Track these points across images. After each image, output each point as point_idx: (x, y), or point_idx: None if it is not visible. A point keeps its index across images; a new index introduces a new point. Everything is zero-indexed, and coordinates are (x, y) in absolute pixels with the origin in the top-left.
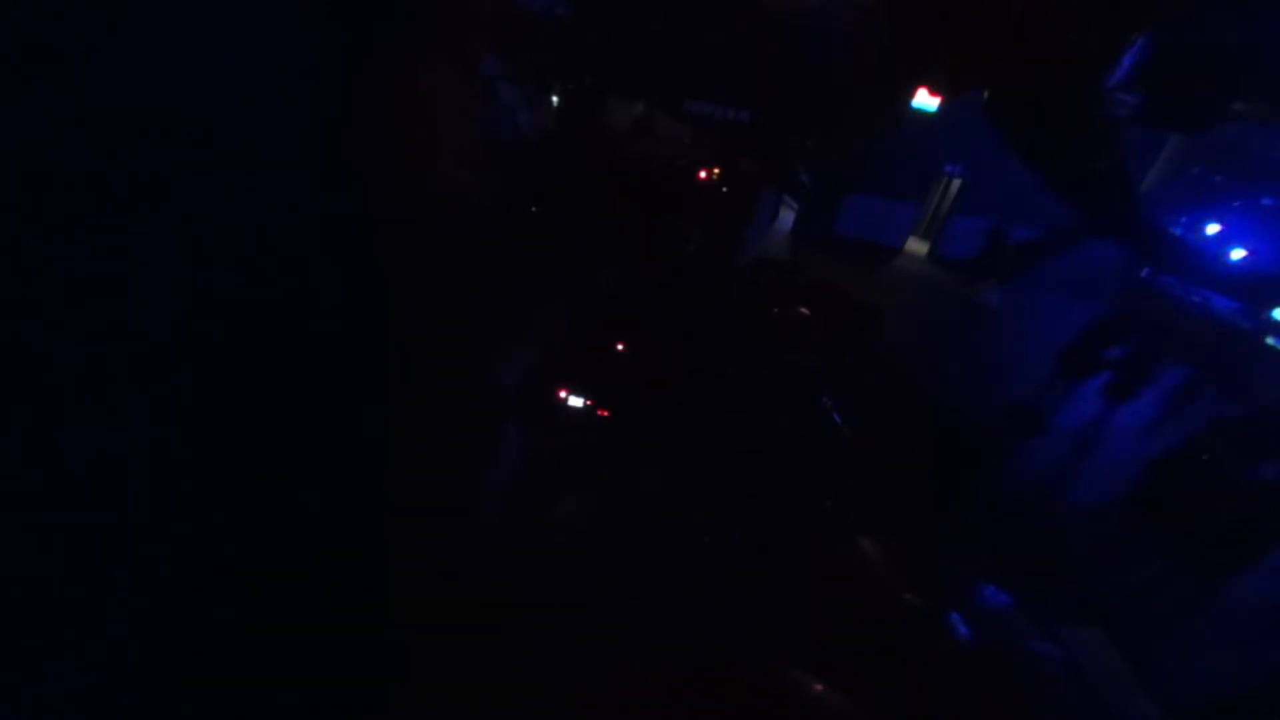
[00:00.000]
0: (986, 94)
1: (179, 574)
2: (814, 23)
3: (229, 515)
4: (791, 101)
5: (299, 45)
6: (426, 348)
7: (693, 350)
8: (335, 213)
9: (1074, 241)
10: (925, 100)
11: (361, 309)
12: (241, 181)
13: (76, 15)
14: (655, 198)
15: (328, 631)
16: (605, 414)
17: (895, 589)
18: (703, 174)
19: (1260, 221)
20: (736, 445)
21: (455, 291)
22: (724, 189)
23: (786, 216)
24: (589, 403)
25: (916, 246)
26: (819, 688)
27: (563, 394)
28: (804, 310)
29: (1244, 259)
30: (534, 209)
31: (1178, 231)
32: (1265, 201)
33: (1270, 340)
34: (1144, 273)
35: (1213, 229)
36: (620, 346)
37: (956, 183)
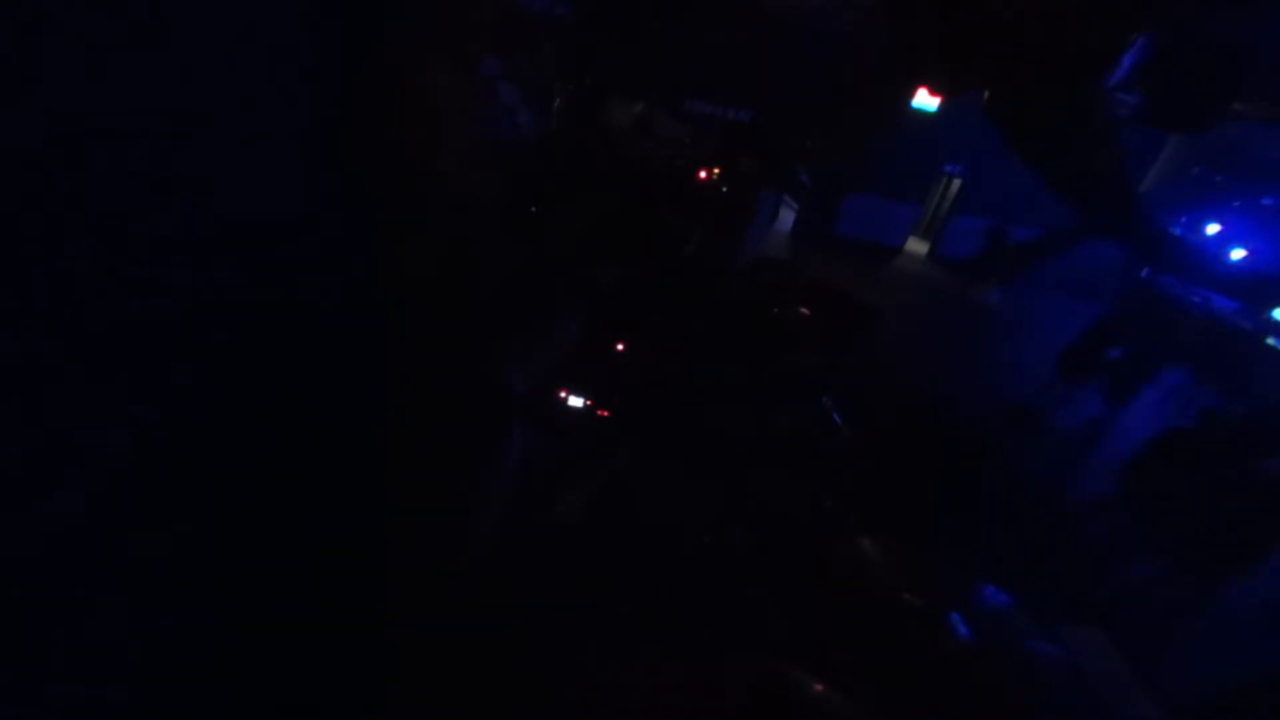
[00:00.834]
0: (986, 94)
1: (179, 573)
2: (814, 23)
3: (229, 514)
4: (791, 101)
5: (299, 46)
6: (430, 347)
7: (693, 350)
8: (336, 212)
9: (1074, 241)
10: (925, 100)
11: (362, 308)
12: (242, 181)
13: (77, 15)
14: (655, 198)
15: (328, 630)
16: (605, 414)
17: (895, 589)
18: (703, 174)
19: (1260, 221)
20: (736, 445)
21: (459, 292)
22: (724, 189)
23: (786, 216)
24: (589, 403)
25: (916, 246)
26: (819, 688)
27: (564, 394)
28: (804, 310)
29: (1244, 259)
30: (534, 209)
31: (1178, 231)
32: (1265, 201)
33: (1270, 340)
34: (1144, 273)
35: (1213, 229)
36: (620, 346)
37: (956, 183)
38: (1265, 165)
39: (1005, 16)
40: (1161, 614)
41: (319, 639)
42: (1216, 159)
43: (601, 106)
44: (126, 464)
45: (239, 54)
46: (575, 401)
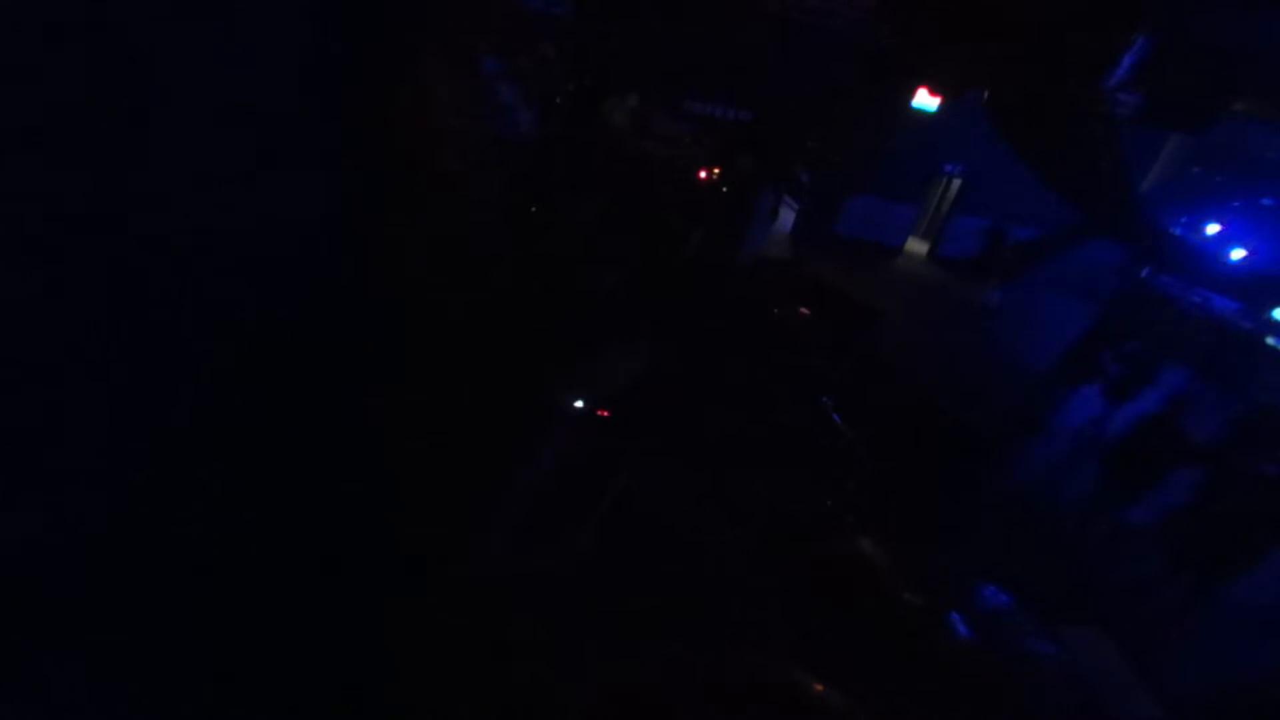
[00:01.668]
0: (986, 94)
1: (200, 575)
2: (814, 23)
3: (241, 517)
4: (791, 101)
5: (300, 46)
6: (430, 348)
7: (693, 350)
8: (337, 211)
9: (1074, 241)
10: (925, 100)
11: (361, 307)
12: (243, 181)
13: (76, 14)
14: (655, 198)
15: (333, 630)
16: (605, 414)
17: (895, 589)
18: (703, 174)
19: (1260, 221)
20: (736, 444)
21: (459, 292)
22: (724, 189)
23: (786, 216)
24: (588, 403)
25: (916, 246)
26: (819, 688)
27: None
28: (804, 310)
29: (1244, 259)
30: (534, 209)
31: (1178, 231)
32: (1265, 201)
33: (1270, 340)
34: (1144, 273)
35: (1213, 229)
36: (620, 346)
37: (956, 183)
38: (1265, 165)
39: (1005, 17)
40: (1161, 614)
41: (323, 638)
42: (1216, 159)
43: (601, 106)
44: (139, 465)
45: (239, 54)
46: (577, 403)
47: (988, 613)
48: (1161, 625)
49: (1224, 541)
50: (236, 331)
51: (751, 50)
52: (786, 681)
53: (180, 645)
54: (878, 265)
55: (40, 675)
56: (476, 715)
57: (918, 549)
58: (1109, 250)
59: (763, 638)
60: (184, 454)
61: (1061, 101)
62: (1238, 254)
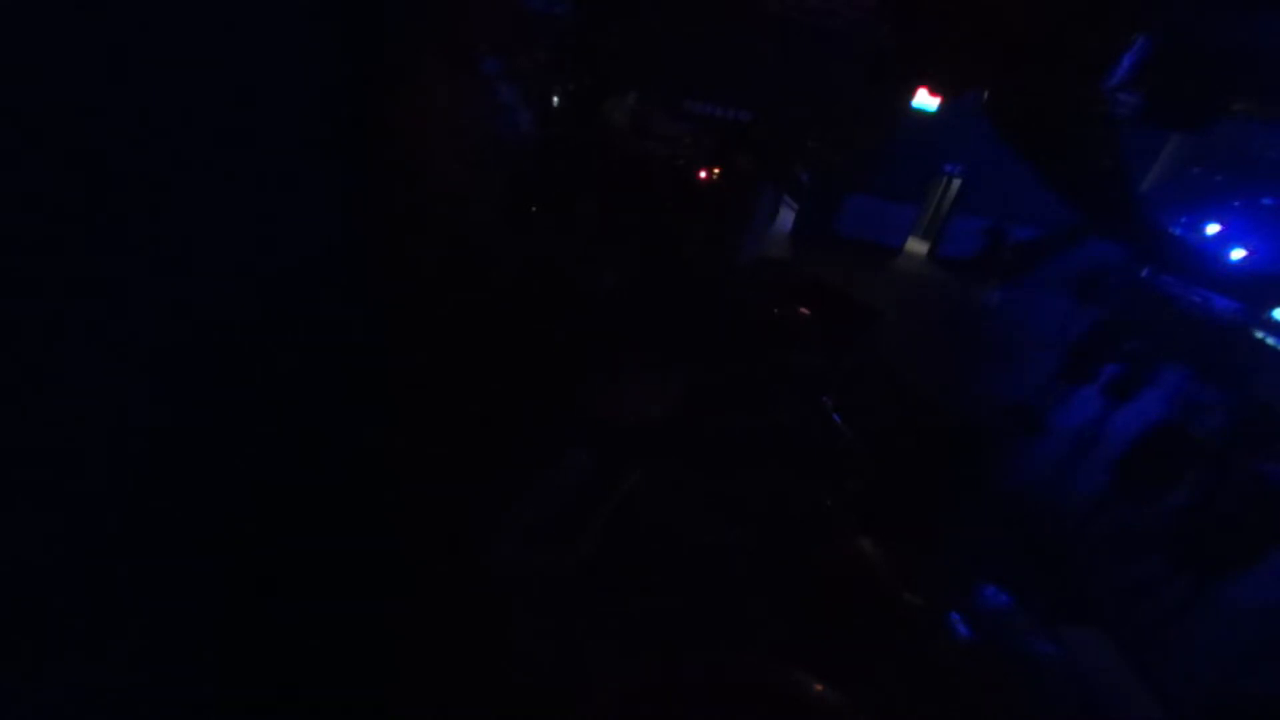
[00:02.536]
0: (986, 94)
1: (200, 578)
2: (814, 23)
3: (240, 520)
4: (791, 101)
5: (298, 46)
6: (430, 348)
7: (692, 350)
8: (335, 212)
9: (1074, 241)
10: (925, 100)
11: (361, 308)
12: (240, 181)
13: (75, 16)
14: (655, 198)
15: (333, 630)
16: (609, 415)
17: (895, 589)
18: (703, 174)
19: (1260, 221)
20: (736, 445)
21: (459, 292)
22: (724, 189)
23: (786, 216)
24: (590, 404)
25: (916, 246)
26: (819, 688)
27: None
28: (804, 310)
29: (1244, 259)
30: (534, 209)
31: (1178, 231)
32: (1265, 201)
33: (1270, 340)
34: (1144, 273)
35: (1213, 229)
36: (619, 347)
37: (956, 183)
38: (1265, 165)
39: (1005, 17)
40: (1161, 614)
41: (324, 639)
42: (1216, 159)
43: (601, 106)
44: (137, 467)
45: (237, 53)
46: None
47: (988, 613)
48: (1161, 625)
49: (1224, 541)
50: (234, 334)
51: (752, 50)
52: (786, 681)
53: (180, 645)
54: (878, 265)
55: (40, 677)
56: (477, 716)
57: (918, 549)
58: (1109, 250)
59: (763, 638)
60: (183, 457)
61: (1061, 101)
62: (1238, 254)
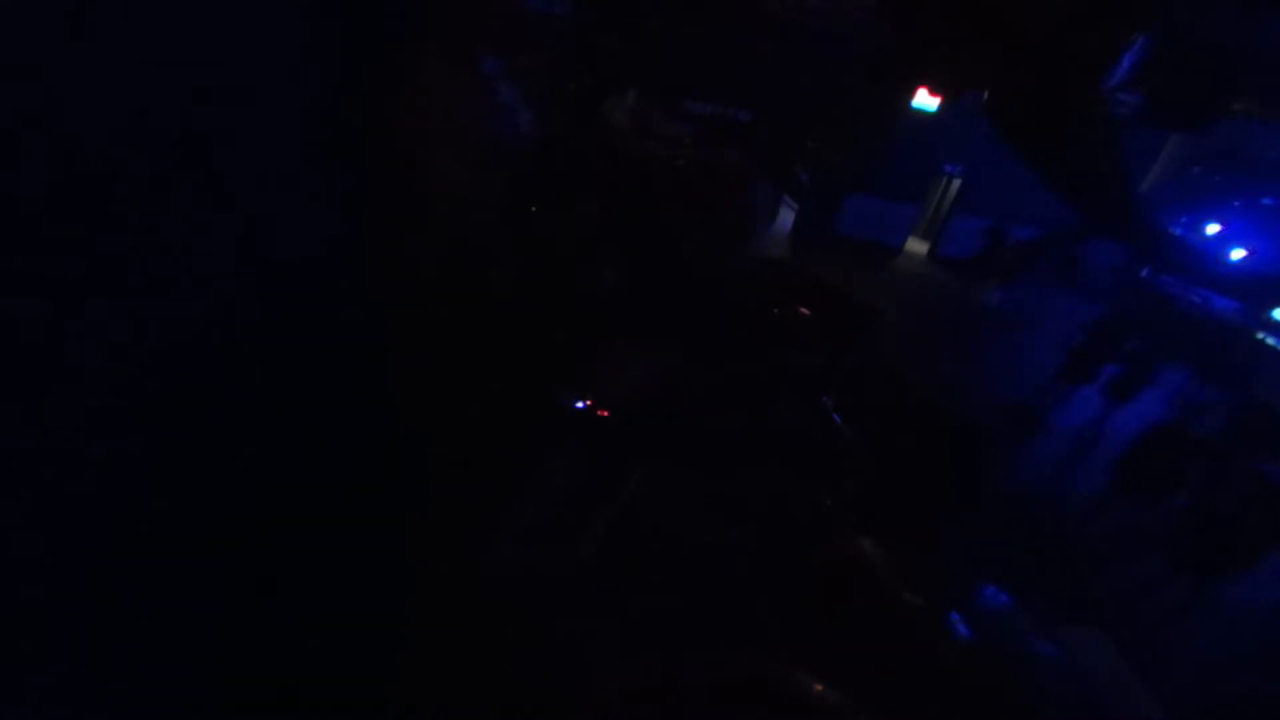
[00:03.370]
0: (986, 94)
1: (192, 577)
2: (814, 23)
3: (240, 520)
4: (791, 101)
5: (299, 46)
6: (430, 349)
7: (693, 350)
8: (336, 213)
9: (1074, 241)
10: (925, 100)
11: (362, 309)
12: (241, 181)
13: (75, 16)
14: (655, 198)
15: (333, 630)
16: (605, 414)
17: (895, 589)
18: (703, 174)
19: (1260, 221)
20: (736, 445)
21: (459, 292)
22: (724, 189)
23: (786, 216)
24: (589, 404)
25: (916, 246)
26: (819, 688)
27: (563, 395)
28: (804, 310)
29: (1244, 259)
30: (534, 209)
31: (1178, 231)
32: (1265, 201)
33: (1270, 340)
34: (1144, 273)
35: (1213, 229)
36: (620, 347)
37: (956, 183)
38: (1265, 165)
39: (1005, 18)
40: (1161, 614)
41: (329, 638)
42: (1216, 159)
43: (601, 106)
44: (138, 467)
45: (238, 53)
46: (576, 403)
47: (988, 613)
48: (1161, 625)
49: (1224, 541)
50: (234, 333)
51: (752, 50)
52: (786, 681)
53: (180, 645)
54: (878, 265)
55: (42, 674)
56: (478, 716)
57: (918, 549)
58: (1109, 250)
59: (763, 638)
60: (182, 457)
61: (1061, 101)
62: (1238, 254)
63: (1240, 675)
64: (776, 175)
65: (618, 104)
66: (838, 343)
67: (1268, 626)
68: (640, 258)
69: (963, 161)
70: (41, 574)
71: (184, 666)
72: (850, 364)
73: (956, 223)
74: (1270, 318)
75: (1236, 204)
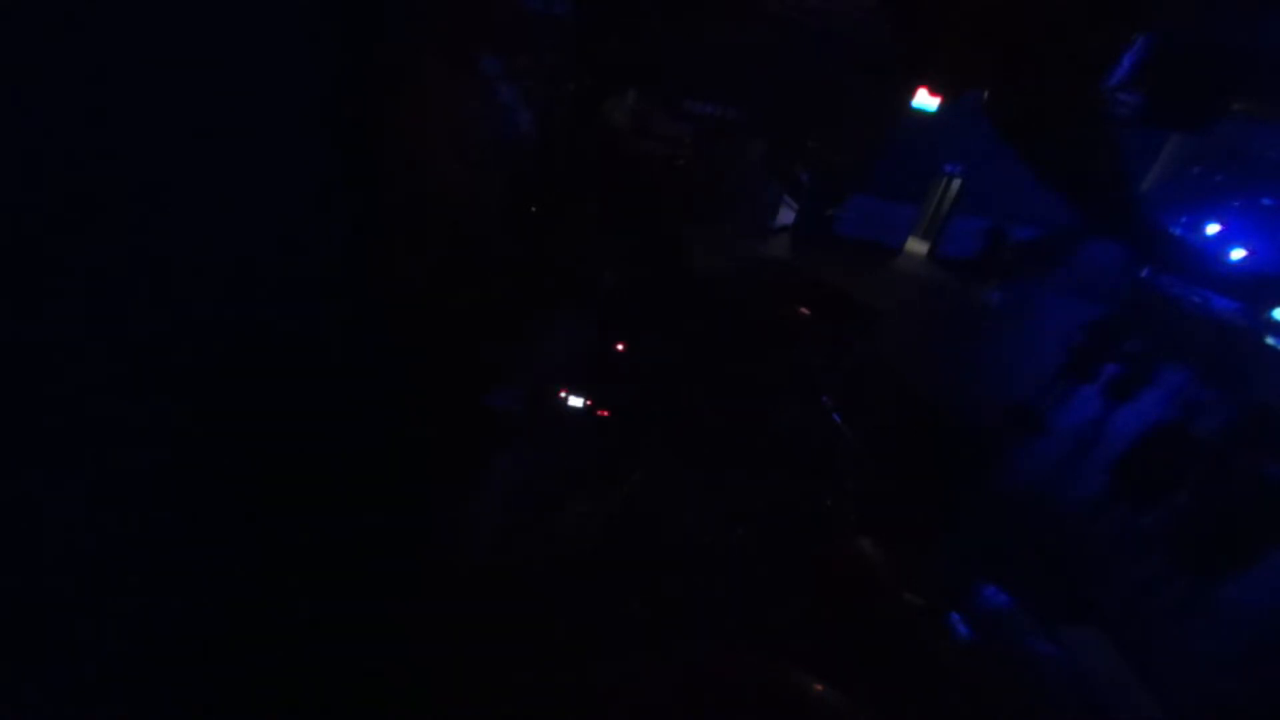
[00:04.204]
0: (986, 94)
1: (186, 578)
2: (814, 23)
3: (239, 520)
4: (791, 101)
5: (300, 46)
6: (431, 355)
7: (693, 350)
8: (336, 212)
9: (1074, 241)
10: (925, 100)
11: (361, 309)
12: (241, 181)
13: (73, 14)
14: (655, 198)
15: (331, 631)
16: (605, 414)
17: (895, 589)
18: (703, 174)
19: (1260, 221)
20: (736, 445)
21: (459, 292)
22: (724, 189)
23: (786, 216)
24: (589, 403)
25: (916, 246)
26: (819, 688)
27: (563, 395)
28: (804, 310)
29: (1244, 259)
30: (534, 209)
31: (1178, 231)
32: (1265, 201)
33: (1270, 340)
34: (1144, 273)
35: (1213, 229)
36: (620, 346)
37: (956, 183)
38: (1265, 165)
39: (1005, 17)
40: (1161, 614)
41: (321, 638)
42: (1216, 159)
43: (601, 106)
44: (136, 468)
45: (238, 54)
46: (575, 402)
47: (988, 613)
48: (1161, 625)
49: (1224, 541)
50: (232, 335)
51: (751, 50)
52: (786, 681)
53: (179, 647)
54: (878, 265)
55: (43, 675)
56: (477, 715)
57: (918, 549)
58: (1109, 250)
59: (763, 638)
60: (181, 457)
61: (1061, 101)
62: (1238, 254)
63: (1240, 675)
64: (777, 175)
65: (618, 104)
66: (838, 343)
67: (1268, 626)
68: (640, 257)
69: (963, 161)
70: (41, 575)
71: (183, 667)
72: (850, 364)
73: (956, 223)
74: (1270, 318)
75: (1236, 204)
